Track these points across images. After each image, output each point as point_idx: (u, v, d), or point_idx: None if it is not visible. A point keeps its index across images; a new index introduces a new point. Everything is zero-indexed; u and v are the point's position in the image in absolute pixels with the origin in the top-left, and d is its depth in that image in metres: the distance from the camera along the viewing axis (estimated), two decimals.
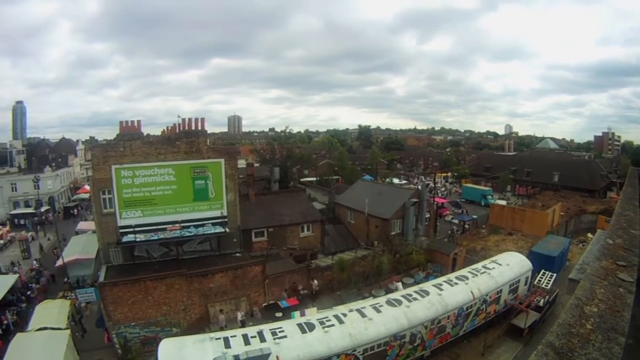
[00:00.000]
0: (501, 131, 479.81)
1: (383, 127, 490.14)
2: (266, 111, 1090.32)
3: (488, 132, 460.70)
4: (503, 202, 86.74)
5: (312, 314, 33.52)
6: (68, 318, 39.59)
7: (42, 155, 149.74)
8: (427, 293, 33.82)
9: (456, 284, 35.72)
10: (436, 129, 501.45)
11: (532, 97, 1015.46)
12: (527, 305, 37.43)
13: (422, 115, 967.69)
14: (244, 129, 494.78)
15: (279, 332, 27.64)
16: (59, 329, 36.06)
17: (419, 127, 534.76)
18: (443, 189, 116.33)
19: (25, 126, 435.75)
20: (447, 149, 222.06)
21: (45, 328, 35.76)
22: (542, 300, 38.79)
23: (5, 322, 43.98)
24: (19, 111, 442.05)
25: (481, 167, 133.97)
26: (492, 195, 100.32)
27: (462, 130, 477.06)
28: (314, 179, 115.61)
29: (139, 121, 45.10)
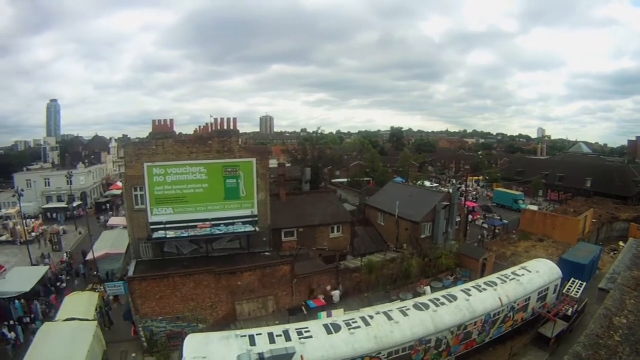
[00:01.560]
0: (534, 135, 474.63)
1: (415, 129, 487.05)
2: (306, 113, 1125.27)
3: (521, 136, 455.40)
4: (534, 208, 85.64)
5: (339, 315, 33.28)
6: (96, 310, 40.51)
7: (76, 152, 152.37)
8: (455, 298, 33.34)
9: (484, 289, 35.12)
10: (468, 131, 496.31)
11: (562, 102, 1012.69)
12: (556, 314, 36.55)
13: (455, 118, 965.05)
14: (280, 129, 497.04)
15: (305, 332, 27.62)
16: (87, 320, 36.71)
17: (451, 130, 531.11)
18: (474, 193, 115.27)
19: (59, 124, 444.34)
20: (479, 152, 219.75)
21: (73, 319, 36.42)
22: (571, 310, 37.84)
23: (35, 311, 45.10)
24: (53, 109, 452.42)
25: (513, 171, 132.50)
26: (523, 200, 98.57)
27: (495, 134, 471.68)
28: (345, 180, 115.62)
29: (171, 120, 45.38)
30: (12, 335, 39.89)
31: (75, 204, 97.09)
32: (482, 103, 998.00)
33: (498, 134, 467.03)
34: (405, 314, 30.56)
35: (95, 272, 54.62)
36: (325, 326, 28.57)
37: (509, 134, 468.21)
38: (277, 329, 28.36)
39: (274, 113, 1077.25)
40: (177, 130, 48.98)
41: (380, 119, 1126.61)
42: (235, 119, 45.38)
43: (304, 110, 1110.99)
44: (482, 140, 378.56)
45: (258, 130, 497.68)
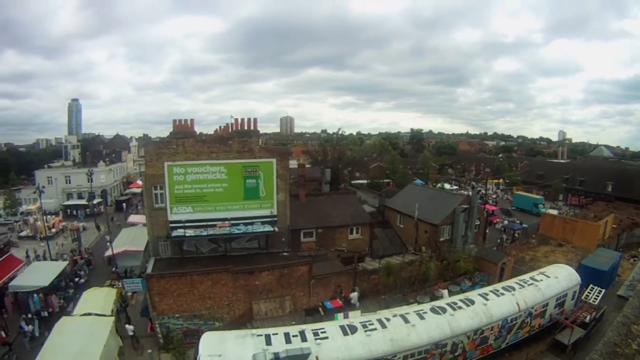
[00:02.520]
0: (554, 137, 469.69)
1: (435, 132, 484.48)
2: (332, 114, 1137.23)
3: (541, 139, 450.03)
4: (554, 212, 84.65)
5: (356, 317, 33.07)
6: (113, 306, 40.69)
7: (97, 150, 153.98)
8: (472, 302, 33.03)
9: (502, 294, 34.72)
10: (489, 134, 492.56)
11: (580, 106, 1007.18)
12: (573, 320, 36.07)
13: (477, 120, 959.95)
14: (302, 130, 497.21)
15: (321, 332, 27.58)
16: (104, 315, 37.11)
17: (472, 132, 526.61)
18: (494, 196, 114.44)
19: (80, 122, 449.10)
20: (500, 155, 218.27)
21: (90, 314, 36.80)
22: (589, 317, 37.31)
23: (52, 306, 45.92)
24: (74, 108, 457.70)
25: (533, 175, 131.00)
26: (543, 204, 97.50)
27: (515, 136, 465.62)
28: (365, 181, 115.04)
29: (192, 120, 45.49)
30: (29, 328, 40.53)
31: (95, 202, 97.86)
32: (505, 106, 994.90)
33: (518, 137, 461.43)
34: (422, 317, 30.36)
35: (114, 269, 55.16)
36: (342, 327, 28.51)
37: (529, 137, 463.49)
38: (293, 329, 28.38)
39: (301, 114, 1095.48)
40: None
41: (403, 121, 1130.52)
42: (255, 119, 45.62)
43: (329, 112, 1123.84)
44: (502, 143, 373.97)
45: (278, 130, 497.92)
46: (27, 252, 62.45)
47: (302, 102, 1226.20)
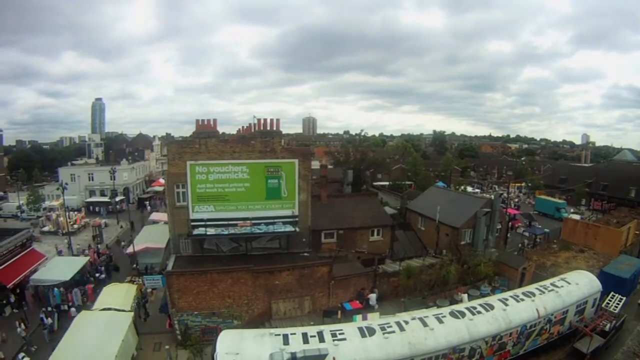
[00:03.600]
0: (577, 141, 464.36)
1: (458, 134, 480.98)
2: (360, 116, 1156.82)
3: (564, 142, 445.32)
4: (577, 217, 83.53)
5: (374, 319, 32.93)
6: (133, 302, 40.94)
7: (120, 148, 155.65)
8: (492, 307, 32.64)
9: (522, 300, 34.24)
10: (512, 136, 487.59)
11: (602, 110, 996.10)
12: (593, 328, 35.40)
13: (502, 124, 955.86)
14: (326, 131, 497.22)
15: (339, 333, 27.53)
16: (123, 310, 37.37)
17: (495, 134, 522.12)
18: (516, 200, 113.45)
19: (104, 121, 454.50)
20: (522, 158, 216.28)
21: (109, 309, 37.10)
22: (609, 325, 36.48)
23: (73, 299, 46.71)
24: (97, 107, 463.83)
25: (556, 179, 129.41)
26: (565, 209, 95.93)
27: (538, 139, 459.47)
28: (387, 183, 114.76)
29: (214, 120, 45.79)
30: (48, 320, 41.25)
31: (117, 199, 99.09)
32: (530, 110, 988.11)
33: (541, 140, 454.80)
34: (440, 321, 30.14)
35: (135, 265, 55.68)
36: (360, 329, 28.44)
37: (552, 140, 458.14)
38: (312, 330, 28.38)
39: (330, 116, 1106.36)
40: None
41: (428, 123, 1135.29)
42: (278, 120, 45.74)
43: (358, 114, 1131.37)
44: (525, 146, 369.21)
45: (301, 131, 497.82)
46: (56, 247, 63.77)
47: (331, 104, 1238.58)
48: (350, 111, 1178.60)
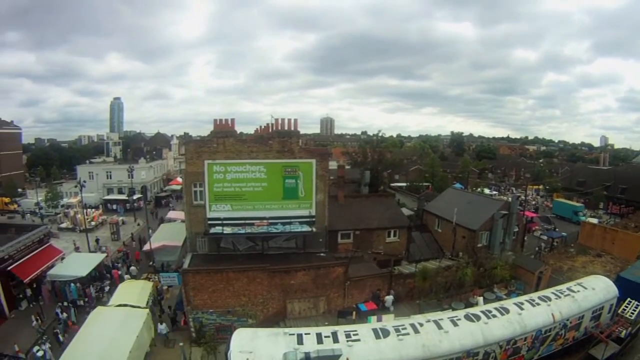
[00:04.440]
0: (596, 143, 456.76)
1: (476, 135, 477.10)
2: (381, 117, 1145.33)
3: (583, 144, 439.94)
4: (594, 220, 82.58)
5: (389, 321, 32.81)
6: (149, 298, 41.50)
7: (138, 147, 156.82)
8: (507, 311, 32.22)
9: (538, 304, 33.66)
10: (530, 138, 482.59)
11: (620, 112, 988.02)
12: (608, 335, 34.69)
13: (520, 125, 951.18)
14: (344, 131, 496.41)
15: (353, 334, 27.42)
16: (139, 307, 38.02)
17: (513, 136, 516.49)
18: (534, 202, 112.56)
19: (122, 120, 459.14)
20: (540, 160, 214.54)
21: (125, 305, 37.73)
22: (624, 332, 35.83)
23: (89, 295, 47.57)
24: (116, 107, 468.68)
25: (574, 181, 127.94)
26: (583, 212, 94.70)
27: (556, 141, 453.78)
28: (404, 184, 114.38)
29: (232, 119, 45.91)
30: (64, 315, 42.07)
31: (135, 197, 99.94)
32: (551, 112, 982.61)
33: (560, 142, 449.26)
34: (455, 324, 29.84)
35: (151, 262, 56.28)
36: (374, 330, 28.29)
37: (570, 142, 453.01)
38: (326, 330, 28.31)
39: (352, 117, 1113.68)
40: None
41: (449, 125, 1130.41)
42: (296, 120, 45.81)
43: (379, 115, 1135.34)
44: (543, 148, 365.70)
45: (318, 131, 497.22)
46: (74, 243, 64.90)
47: (353, 105, 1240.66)
48: (372, 113, 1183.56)
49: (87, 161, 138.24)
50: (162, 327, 39.95)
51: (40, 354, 35.46)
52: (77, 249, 62.57)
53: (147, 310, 38.58)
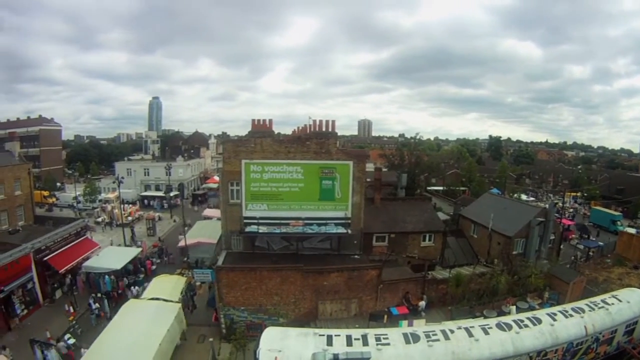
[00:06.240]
0: (636, 149, 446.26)
1: (514, 139, 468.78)
2: (426, 121, 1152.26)
3: (622, 150, 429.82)
4: (632, 231, 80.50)
5: (420, 326, 32.52)
6: (181, 293, 42.23)
7: (176, 145, 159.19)
8: (539, 321, 31.46)
9: (571, 315, 32.81)
10: (568, 143, 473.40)
11: None
12: None
13: (561, 131, 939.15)
14: (381, 133, 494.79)
15: (383, 338, 27.37)
16: (171, 301, 38.68)
17: (551, 141, 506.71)
18: (571, 210, 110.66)
19: (160, 119, 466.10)
20: (579, 166, 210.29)
21: (157, 298, 38.48)
22: None
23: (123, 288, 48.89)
24: (155, 105, 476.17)
25: (613, 189, 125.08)
26: (621, 222, 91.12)
27: (595, 147, 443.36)
28: (441, 188, 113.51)
29: (270, 120, 46.33)
30: (96, 306, 43.22)
31: (172, 194, 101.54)
32: (594, 119, 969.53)
33: (599, 147, 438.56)
34: (486, 332, 29.45)
35: (186, 258, 57.13)
36: (405, 335, 28.14)
37: (610, 147, 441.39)
38: (356, 332, 28.33)
39: (397, 120, 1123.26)
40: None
41: (491, 129, 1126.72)
42: (333, 121, 45.76)
43: (424, 119, 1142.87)
44: (582, 153, 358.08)
45: (356, 133, 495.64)
46: (112, 242, 65.08)
47: (401, 110, 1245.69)
48: (419, 117, 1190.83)
49: (126, 158, 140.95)
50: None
51: (71, 341, 36.66)
52: (111, 243, 63.62)
53: (179, 304, 39.24)
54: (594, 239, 76.97)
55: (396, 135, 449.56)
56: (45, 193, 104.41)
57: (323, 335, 27.27)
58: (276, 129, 47.98)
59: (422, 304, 43.25)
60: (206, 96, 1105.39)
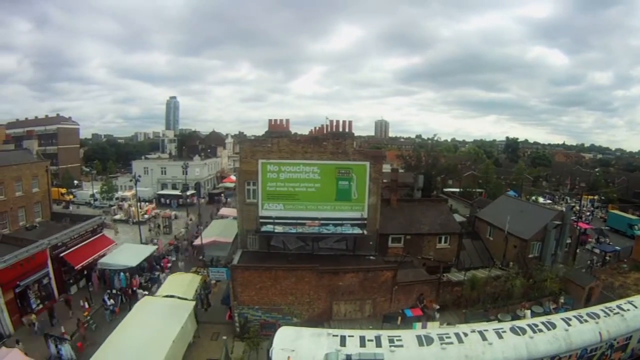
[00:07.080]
0: None
1: (531, 141, 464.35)
2: (446, 123, 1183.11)
3: None
4: None
5: (434, 328, 32.59)
6: (196, 291, 42.66)
7: (193, 145, 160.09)
8: (554, 326, 31.08)
9: (586, 321, 32.34)
10: (586, 145, 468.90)
11: None
12: None
13: (578, 132, 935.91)
14: (398, 134, 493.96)
15: (397, 340, 27.23)
16: (186, 299, 39.08)
17: (568, 143, 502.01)
18: (588, 213, 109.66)
19: (177, 118, 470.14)
20: (596, 169, 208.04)
21: (172, 296, 38.87)
22: None
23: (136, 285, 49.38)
24: (172, 105, 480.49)
25: (630, 192, 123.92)
26: (638, 226, 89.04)
27: (613, 149, 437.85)
28: (457, 190, 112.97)
29: (287, 120, 46.60)
30: (110, 302, 43.85)
31: (188, 193, 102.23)
32: (614, 122, 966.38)
33: (617, 150, 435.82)
34: (500, 336, 29.15)
35: (201, 257, 57.67)
36: (418, 337, 28.02)
37: (627, 150, 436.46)
38: (370, 333, 28.27)
39: (417, 121, 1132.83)
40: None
41: (510, 131, 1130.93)
42: (350, 122, 45.76)
43: (444, 121, 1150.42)
44: (599, 156, 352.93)
45: (373, 134, 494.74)
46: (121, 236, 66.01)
47: (422, 111, 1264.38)
48: (439, 118, 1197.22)
49: (143, 157, 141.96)
50: None
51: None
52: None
53: (194, 302, 39.60)
54: (611, 243, 76.28)
55: (413, 136, 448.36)
56: (63, 190, 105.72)
57: (336, 335, 27.27)
58: (299, 130, 48.60)
59: (435, 307, 43.12)
60: (237, 97, 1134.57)
